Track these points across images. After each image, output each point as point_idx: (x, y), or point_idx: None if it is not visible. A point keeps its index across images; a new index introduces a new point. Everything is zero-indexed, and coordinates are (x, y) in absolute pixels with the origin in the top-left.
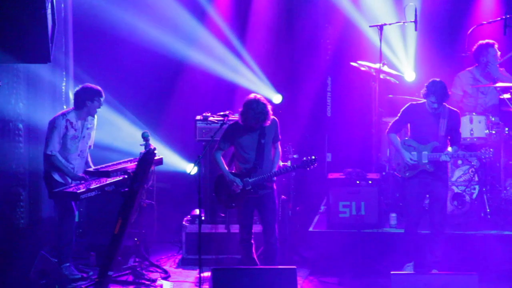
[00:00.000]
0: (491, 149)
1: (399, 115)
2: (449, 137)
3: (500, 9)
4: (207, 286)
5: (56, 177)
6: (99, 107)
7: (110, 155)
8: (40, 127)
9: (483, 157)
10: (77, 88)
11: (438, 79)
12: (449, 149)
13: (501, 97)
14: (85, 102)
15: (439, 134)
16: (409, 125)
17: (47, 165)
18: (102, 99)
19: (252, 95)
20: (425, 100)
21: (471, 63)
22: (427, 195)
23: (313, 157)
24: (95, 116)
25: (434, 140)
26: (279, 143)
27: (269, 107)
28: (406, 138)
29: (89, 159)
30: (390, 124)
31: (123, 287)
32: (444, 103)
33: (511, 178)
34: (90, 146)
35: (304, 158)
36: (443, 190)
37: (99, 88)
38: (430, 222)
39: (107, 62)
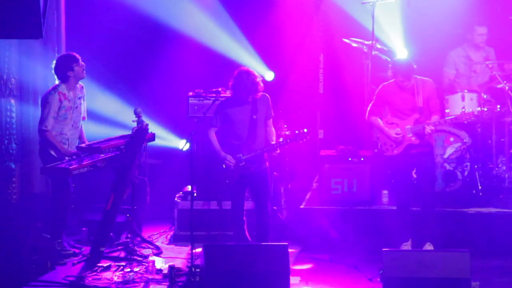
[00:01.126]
0: (471, 110)
1: (374, 98)
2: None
3: None
4: (199, 263)
5: (52, 152)
6: (83, 71)
7: (103, 131)
8: (32, 104)
9: (464, 119)
10: (53, 65)
11: (400, 59)
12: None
13: (493, 74)
14: (66, 73)
15: (418, 105)
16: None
17: (43, 140)
18: (80, 61)
19: (241, 67)
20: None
21: (463, 40)
22: (414, 170)
23: (305, 130)
24: (84, 86)
25: (414, 113)
26: (271, 121)
27: (259, 78)
28: (388, 116)
29: (83, 135)
30: (369, 108)
31: (115, 263)
32: (414, 76)
33: (502, 155)
34: (84, 118)
35: (296, 131)
36: (429, 163)
37: (72, 54)
38: (420, 198)
39: (99, 38)
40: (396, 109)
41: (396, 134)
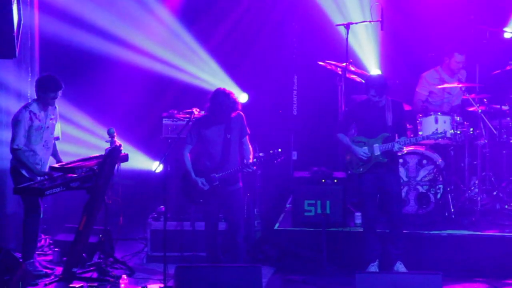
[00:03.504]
0: (444, 132)
1: (344, 114)
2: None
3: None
4: (172, 284)
5: (24, 172)
6: (56, 98)
7: (76, 151)
8: (5, 123)
9: (435, 138)
10: (38, 78)
11: (375, 73)
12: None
13: (465, 97)
14: (48, 93)
15: (387, 124)
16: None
17: (14, 160)
18: (60, 92)
19: (219, 88)
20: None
21: (436, 63)
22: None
23: (279, 150)
24: (57, 106)
25: (382, 132)
26: (247, 138)
27: (236, 97)
28: (355, 136)
29: (58, 154)
30: (338, 124)
31: (87, 283)
32: (385, 96)
33: (475, 178)
34: (58, 138)
35: (271, 151)
36: (396, 184)
37: (60, 82)
38: (388, 220)
39: (73, 58)
40: (364, 127)
41: (364, 153)
